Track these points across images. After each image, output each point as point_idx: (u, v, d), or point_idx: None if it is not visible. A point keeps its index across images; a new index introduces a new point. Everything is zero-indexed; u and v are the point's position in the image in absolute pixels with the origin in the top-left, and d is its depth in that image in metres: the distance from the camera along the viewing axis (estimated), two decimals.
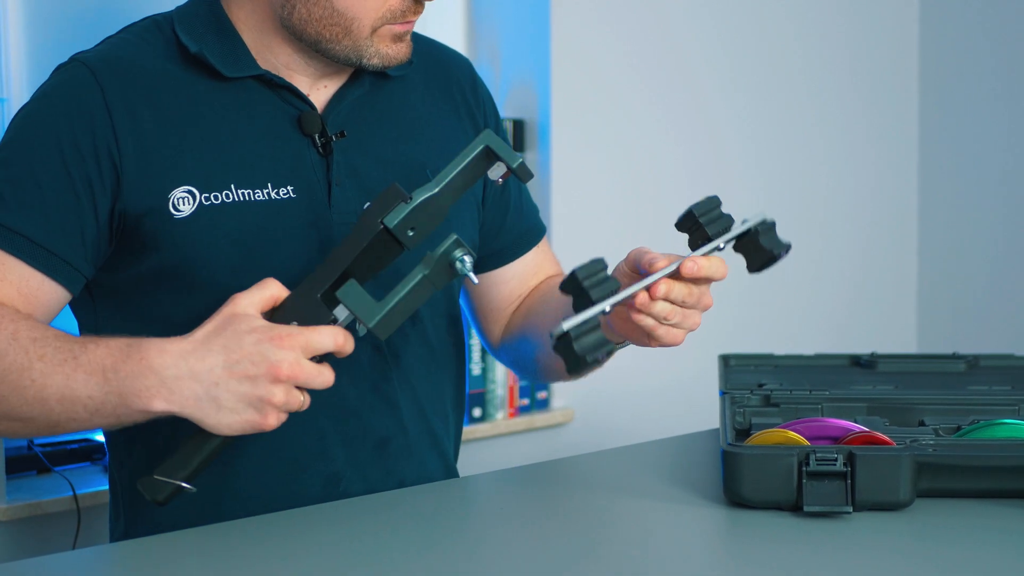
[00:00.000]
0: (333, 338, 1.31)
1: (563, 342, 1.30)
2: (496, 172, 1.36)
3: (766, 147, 3.34)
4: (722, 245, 1.40)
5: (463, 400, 1.72)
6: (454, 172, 1.35)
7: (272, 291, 1.34)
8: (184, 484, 1.34)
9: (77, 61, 1.51)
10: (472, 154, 1.35)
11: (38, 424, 1.39)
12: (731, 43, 3.22)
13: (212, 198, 1.47)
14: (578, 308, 1.32)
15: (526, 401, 2.77)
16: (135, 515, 1.56)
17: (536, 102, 2.82)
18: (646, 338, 1.44)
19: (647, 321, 1.40)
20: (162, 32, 1.54)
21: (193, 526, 1.38)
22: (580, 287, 1.32)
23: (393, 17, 1.48)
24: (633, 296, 1.38)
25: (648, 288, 1.38)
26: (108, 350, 1.34)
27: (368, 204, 1.37)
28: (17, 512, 2.06)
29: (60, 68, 1.53)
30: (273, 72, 1.53)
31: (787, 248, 1.42)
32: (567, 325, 1.29)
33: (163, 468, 1.34)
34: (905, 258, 3.67)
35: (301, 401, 1.31)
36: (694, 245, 1.41)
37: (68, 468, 2.19)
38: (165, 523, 1.47)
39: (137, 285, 1.50)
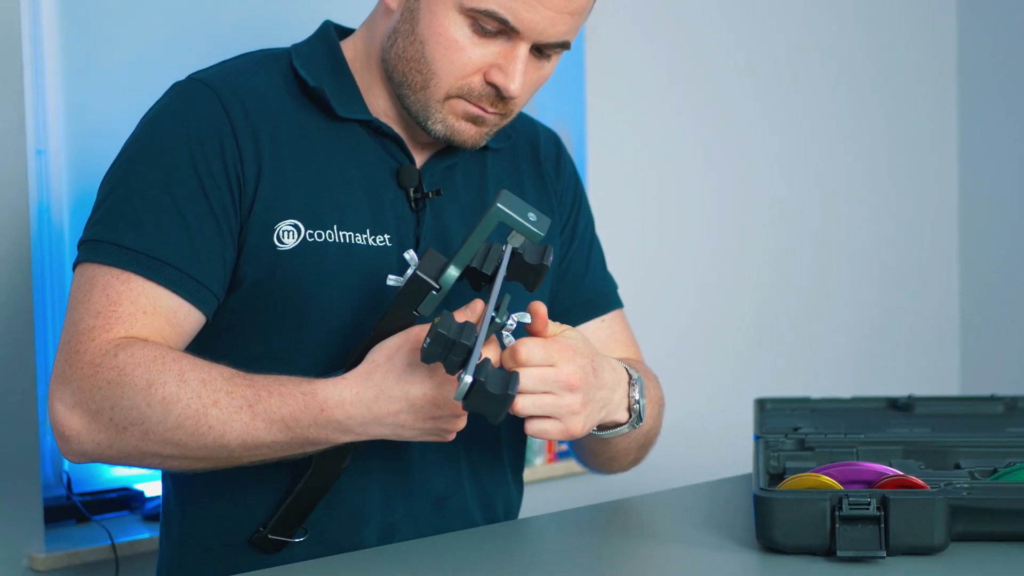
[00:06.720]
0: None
1: (477, 393, 1.22)
2: (516, 239, 1.36)
3: (800, 189, 3.33)
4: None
5: (522, 463, 1.71)
6: (472, 251, 1.34)
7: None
8: (294, 540, 1.49)
9: (197, 81, 1.49)
10: (488, 230, 1.33)
11: (219, 462, 1.39)
12: (767, 97, 3.22)
13: (316, 235, 1.47)
14: (457, 364, 1.24)
15: (564, 446, 2.76)
16: (189, 555, 1.55)
17: (572, 148, 2.83)
18: None
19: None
20: (279, 65, 1.54)
21: (248, 569, 1.40)
22: (450, 342, 1.23)
23: (469, 94, 1.47)
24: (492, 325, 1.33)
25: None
26: (283, 400, 1.34)
27: (396, 282, 1.36)
28: (56, 562, 2.07)
29: (177, 87, 1.50)
30: (380, 120, 1.54)
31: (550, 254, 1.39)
32: (468, 377, 1.21)
33: (273, 527, 1.47)
34: (947, 298, 3.64)
35: None
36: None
37: (107, 517, 2.19)
38: (220, 567, 1.49)
39: (219, 316, 1.48)
